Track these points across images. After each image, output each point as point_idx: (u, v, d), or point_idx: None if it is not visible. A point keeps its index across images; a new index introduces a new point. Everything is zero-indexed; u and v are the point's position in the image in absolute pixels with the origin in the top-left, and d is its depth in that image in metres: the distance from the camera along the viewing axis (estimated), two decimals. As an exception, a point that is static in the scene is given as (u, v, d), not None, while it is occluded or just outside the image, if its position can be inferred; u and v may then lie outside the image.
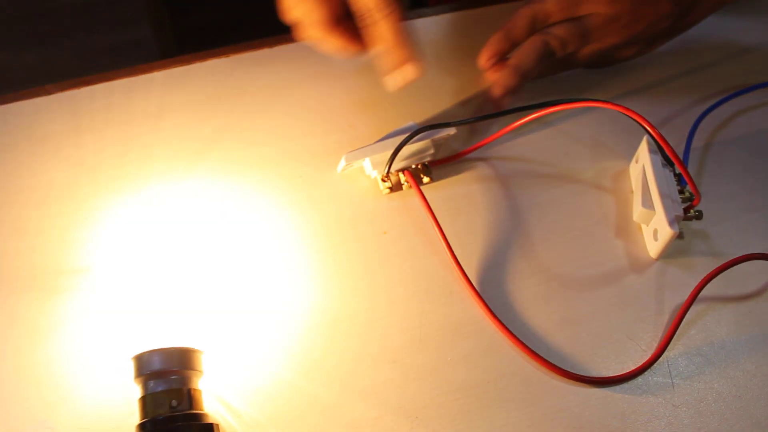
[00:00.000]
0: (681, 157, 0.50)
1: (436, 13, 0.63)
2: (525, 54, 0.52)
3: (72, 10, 1.54)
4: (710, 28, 0.58)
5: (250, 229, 0.45)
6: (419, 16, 0.63)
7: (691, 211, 0.45)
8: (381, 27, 0.44)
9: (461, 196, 0.49)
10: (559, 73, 0.58)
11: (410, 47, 0.45)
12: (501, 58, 0.54)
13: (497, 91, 0.52)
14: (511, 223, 0.47)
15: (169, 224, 0.39)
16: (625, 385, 0.40)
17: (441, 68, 0.58)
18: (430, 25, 0.62)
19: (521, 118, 0.49)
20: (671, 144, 0.45)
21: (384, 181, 0.48)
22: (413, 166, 0.49)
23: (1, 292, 0.41)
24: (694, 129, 0.52)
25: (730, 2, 0.57)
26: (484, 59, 0.54)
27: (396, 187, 0.48)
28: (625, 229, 0.47)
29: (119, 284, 0.37)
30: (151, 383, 0.35)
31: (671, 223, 0.43)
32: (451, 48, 0.61)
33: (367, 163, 0.48)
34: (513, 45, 0.53)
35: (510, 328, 0.41)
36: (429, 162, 0.49)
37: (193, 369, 0.36)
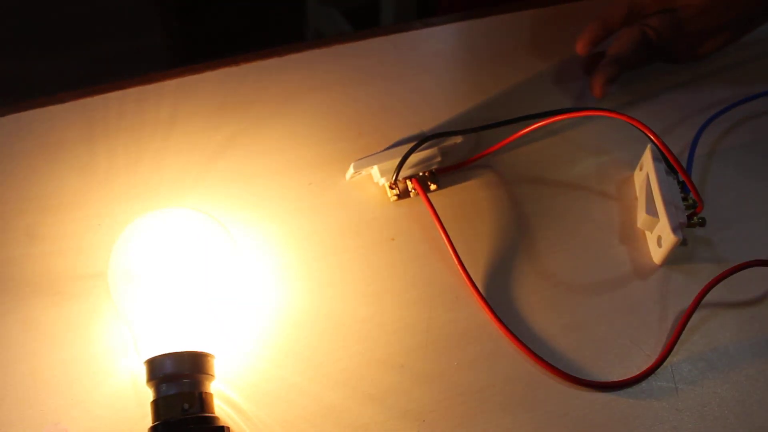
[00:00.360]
0: (685, 164, 0.50)
1: (444, 23, 0.64)
2: (624, 43, 0.55)
3: (84, 19, 1.55)
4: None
5: (259, 234, 0.46)
6: (427, 26, 0.63)
7: (695, 218, 0.46)
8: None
9: (467, 203, 0.49)
10: (649, 64, 0.59)
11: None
12: (596, 45, 0.56)
13: (598, 79, 0.54)
14: (516, 229, 0.48)
15: (181, 230, 0.39)
16: (629, 390, 0.40)
17: (448, 77, 0.59)
18: (438, 34, 0.63)
19: (527, 127, 0.49)
20: (675, 152, 0.45)
21: (392, 188, 0.49)
22: (420, 174, 0.49)
23: (17, 296, 0.42)
24: (698, 137, 0.53)
25: None
26: (581, 45, 0.56)
27: (403, 194, 0.49)
28: (629, 235, 0.48)
29: (133, 288, 0.37)
30: (164, 386, 0.35)
31: (675, 230, 0.43)
32: (458, 56, 0.61)
33: (375, 171, 0.48)
34: (608, 33, 0.56)
35: (515, 333, 0.42)
36: (436, 169, 0.50)
37: (204, 373, 0.36)
